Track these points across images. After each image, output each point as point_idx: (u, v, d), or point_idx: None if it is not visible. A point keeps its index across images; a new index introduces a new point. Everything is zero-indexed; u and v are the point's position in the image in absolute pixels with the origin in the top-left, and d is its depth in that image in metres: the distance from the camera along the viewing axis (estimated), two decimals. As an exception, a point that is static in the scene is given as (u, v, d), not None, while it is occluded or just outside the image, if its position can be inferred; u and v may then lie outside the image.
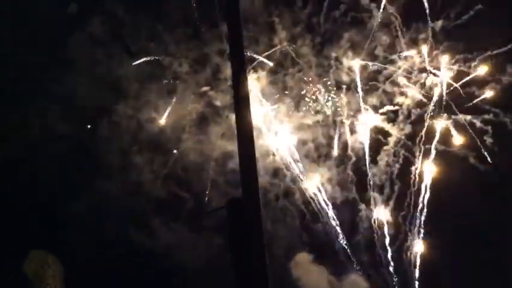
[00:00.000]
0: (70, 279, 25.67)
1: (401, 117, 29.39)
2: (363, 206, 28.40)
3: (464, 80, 28.43)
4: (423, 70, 29.39)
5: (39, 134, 29.76)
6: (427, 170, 28.46)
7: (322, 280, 27.42)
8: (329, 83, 29.96)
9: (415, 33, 29.26)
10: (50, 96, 29.81)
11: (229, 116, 30.66)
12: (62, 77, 29.81)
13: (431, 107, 28.93)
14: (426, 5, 28.20)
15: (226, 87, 30.51)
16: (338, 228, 27.91)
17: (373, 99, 29.59)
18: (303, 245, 28.38)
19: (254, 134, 11.72)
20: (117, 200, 29.09)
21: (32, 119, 29.76)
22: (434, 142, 28.62)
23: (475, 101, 28.20)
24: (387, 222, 27.80)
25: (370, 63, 29.59)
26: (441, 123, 28.57)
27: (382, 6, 29.18)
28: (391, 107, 29.56)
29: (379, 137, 29.32)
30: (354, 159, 29.12)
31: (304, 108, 29.79)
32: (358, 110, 29.59)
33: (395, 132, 29.21)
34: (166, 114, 30.25)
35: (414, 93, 29.37)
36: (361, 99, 29.43)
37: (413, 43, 29.41)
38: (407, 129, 29.32)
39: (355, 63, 29.38)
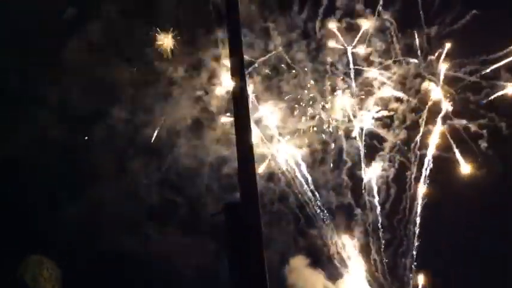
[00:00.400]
0: (67, 283, 25.55)
1: (396, 123, 29.52)
2: (358, 210, 28.45)
3: (459, 85, 28.60)
4: (418, 75, 29.56)
5: (33, 138, 29.63)
6: (422, 176, 28.59)
7: (319, 285, 27.38)
8: (324, 88, 30.05)
9: (410, 38, 29.45)
10: (44, 100, 29.77)
11: (225, 122, 30.73)
12: (56, 82, 29.76)
13: (426, 112, 29.08)
14: (421, 10, 28.45)
15: (222, 92, 30.53)
16: (333, 232, 27.93)
17: (368, 105, 29.69)
18: (299, 249, 28.35)
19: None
20: (111, 205, 28.99)
21: (26, 123, 29.63)
22: (430, 147, 28.74)
23: (470, 106, 28.37)
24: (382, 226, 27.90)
25: (365, 69, 29.77)
26: (436, 129, 28.67)
27: (377, 12, 29.38)
28: (386, 112, 29.67)
29: (374, 142, 29.41)
30: (349, 164, 29.17)
31: (299, 113, 29.85)
32: (354, 115, 29.69)
33: (390, 138, 29.29)
34: (161, 119, 30.26)
35: (409, 98, 29.49)
36: (355, 105, 29.59)
37: (408, 48, 29.59)
38: (403, 134, 29.44)
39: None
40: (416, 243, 27.72)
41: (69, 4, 29.67)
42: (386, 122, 29.62)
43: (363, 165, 28.93)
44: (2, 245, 25.09)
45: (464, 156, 28.05)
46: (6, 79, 29.48)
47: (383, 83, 29.63)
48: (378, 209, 28.09)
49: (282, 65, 30.01)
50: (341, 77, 29.88)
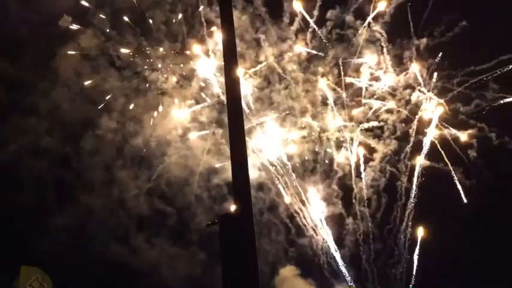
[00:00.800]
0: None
1: (387, 133, 29.56)
2: (349, 220, 28.28)
3: (449, 96, 28.74)
4: (408, 86, 29.67)
5: (23, 148, 29.45)
6: (414, 184, 28.54)
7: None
8: (316, 98, 30.12)
9: (400, 50, 29.67)
10: (34, 109, 29.69)
11: (216, 132, 30.69)
12: (46, 91, 29.73)
13: (416, 123, 29.14)
14: (411, 22, 28.73)
15: (213, 102, 30.57)
16: (325, 242, 27.71)
17: (359, 115, 29.76)
18: (289, 259, 28.15)
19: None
20: (101, 215, 28.79)
21: (15, 133, 29.46)
22: (420, 157, 28.75)
23: (459, 117, 28.48)
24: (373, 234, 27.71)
25: (356, 80, 29.87)
26: (427, 139, 28.72)
27: (366, 23, 29.61)
28: (376, 123, 29.72)
29: (365, 152, 29.39)
30: (340, 174, 29.11)
31: (290, 124, 29.87)
32: (344, 126, 29.71)
33: (381, 148, 29.28)
34: (151, 128, 30.18)
35: (400, 109, 29.58)
36: (346, 115, 29.64)
37: (399, 60, 29.79)
38: (393, 145, 29.46)
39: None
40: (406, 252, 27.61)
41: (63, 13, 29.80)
42: (377, 133, 29.70)
43: (353, 175, 28.91)
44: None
45: (454, 165, 28.10)
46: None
47: (373, 94, 29.76)
48: (369, 218, 27.98)
49: (274, 76, 30.18)
50: (332, 88, 30.00)
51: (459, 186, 27.57)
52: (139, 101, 30.42)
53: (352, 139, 29.39)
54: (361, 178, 28.81)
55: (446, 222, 26.92)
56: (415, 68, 29.10)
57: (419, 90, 29.20)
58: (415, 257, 27.86)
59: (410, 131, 29.01)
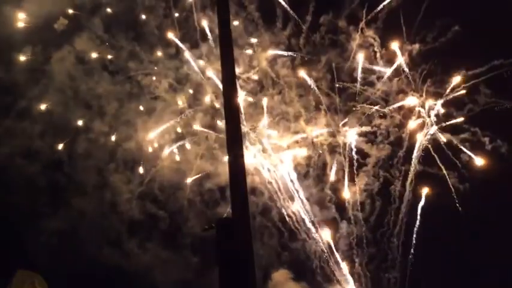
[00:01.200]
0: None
1: (380, 138, 29.55)
2: (342, 225, 28.16)
3: (441, 101, 28.76)
4: (401, 91, 29.73)
5: (15, 152, 29.34)
6: (407, 189, 28.49)
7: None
8: (309, 103, 30.14)
9: (393, 55, 29.72)
10: (25, 113, 29.63)
11: (209, 137, 30.67)
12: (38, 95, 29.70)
13: (409, 127, 29.16)
14: (404, 27, 28.85)
15: (206, 107, 30.57)
16: (318, 246, 27.58)
17: (352, 120, 29.77)
18: (282, 263, 27.98)
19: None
20: (93, 219, 28.64)
21: (6, 136, 29.38)
22: (413, 162, 28.75)
23: (452, 121, 28.50)
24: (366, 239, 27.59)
25: (349, 85, 29.93)
26: (420, 143, 28.73)
27: (359, 29, 29.74)
28: (369, 128, 29.73)
29: (358, 157, 29.37)
30: (333, 178, 29.06)
31: (283, 128, 29.85)
32: (337, 131, 29.71)
33: (374, 153, 29.26)
34: (144, 133, 30.12)
35: (393, 114, 29.61)
36: (340, 120, 29.68)
37: (391, 65, 29.83)
38: (387, 149, 29.44)
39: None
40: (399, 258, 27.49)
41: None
42: (370, 138, 29.70)
43: (346, 180, 28.84)
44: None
45: (447, 170, 28.09)
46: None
47: (367, 99, 29.81)
48: (362, 222, 27.88)
49: (267, 80, 30.23)
50: (325, 93, 30.05)
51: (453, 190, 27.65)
52: (132, 105, 30.46)
53: (345, 144, 29.43)
54: (355, 182, 28.82)
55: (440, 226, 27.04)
56: (408, 73, 29.26)
57: (412, 95, 29.32)
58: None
59: (404, 135, 29.14)
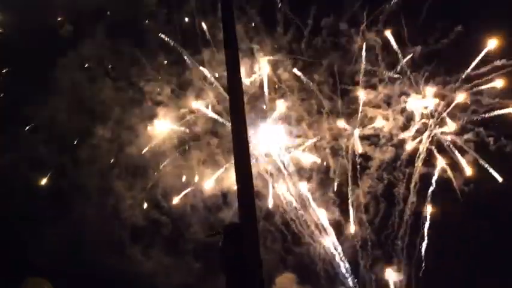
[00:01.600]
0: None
1: (383, 141, 29.38)
2: (347, 227, 27.96)
3: (445, 102, 28.61)
4: (404, 94, 29.59)
5: (17, 159, 29.39)
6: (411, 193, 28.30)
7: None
8: (311, 107, 30.05)
9: (395, 57, 29.64)
10: (29, 119, 29.74)
11: (211, 142, 30.61)
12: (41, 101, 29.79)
13: (412, 129, 29.00)
14: (405, 28, 28.76)
15: (209, 112, 30.54)
16: (321, 250, 27.36)
17: (355, 123, 29.64)
18: (286, 267, 27.72)
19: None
20: (95, 225, 28.55)
21: (9, 142, 29.44)
22: (417, 165, 28.56)
23: (456, 122, 28.34)
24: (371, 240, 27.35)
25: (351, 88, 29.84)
26: (423, 146, 28.54)
27: (361, 32, 29.69)
28: (372, 131, 29.60)
29: (361, 160, 29.20)
30: (336, 181, 28.89)
31: (287, 131, 29.75)
32: (340, 134, 29.60)
33: (377, 155, 29.09)
34: (146, 139, 30.10)
35: (396, 117, 29.45)
36: (343, 122, 29.55)
37: (394, 67, 29.75)
38: (390, 152, 29.25)
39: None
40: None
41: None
42: (374, 140, 29.53)
43: (349, 183, 28.68)
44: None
45: (452, 171, 27.86)
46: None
47: (369, 102, 29.66)
48: (367, 225, 27.67)
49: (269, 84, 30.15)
50: (328, 96, 29.96)
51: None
52: (134, 111, 30.47)
53: (348, 147, 29.31)
54: (358, 185, 28.65)
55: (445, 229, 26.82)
56: (411, 75, 29.14)
57: (415, 97, 29.18)
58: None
59: (407, 137, 28.94)
